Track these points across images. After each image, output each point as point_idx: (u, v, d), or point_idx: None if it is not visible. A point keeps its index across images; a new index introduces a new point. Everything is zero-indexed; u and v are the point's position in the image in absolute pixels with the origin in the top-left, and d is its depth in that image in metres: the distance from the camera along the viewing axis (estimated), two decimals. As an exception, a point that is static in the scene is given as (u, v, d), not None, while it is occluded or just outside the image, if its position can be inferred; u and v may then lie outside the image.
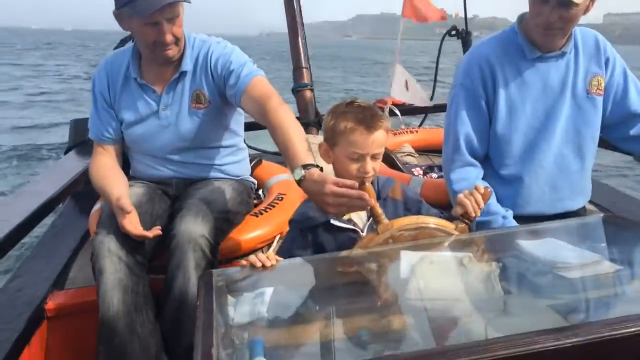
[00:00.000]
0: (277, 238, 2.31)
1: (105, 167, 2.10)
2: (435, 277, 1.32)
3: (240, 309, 1.24)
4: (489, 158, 2.08)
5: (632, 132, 2.09)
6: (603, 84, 2.04)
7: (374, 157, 1.63)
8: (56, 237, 2.56)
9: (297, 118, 3.71)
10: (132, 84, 2.10)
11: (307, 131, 3.59)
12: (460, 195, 1.61)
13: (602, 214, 2.04)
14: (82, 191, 2.89)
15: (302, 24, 3.56)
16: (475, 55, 2.05)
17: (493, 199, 1.93)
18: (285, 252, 1.65)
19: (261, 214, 2.31)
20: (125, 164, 2.27)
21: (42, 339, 1.99)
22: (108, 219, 1.87)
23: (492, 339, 0.96)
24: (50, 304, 2.02)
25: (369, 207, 1.53)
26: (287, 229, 2.36)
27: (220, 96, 2.09)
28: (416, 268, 1.35)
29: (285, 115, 1.84)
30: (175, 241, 1.81)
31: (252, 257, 1.45)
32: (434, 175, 3.10)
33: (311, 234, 1.66)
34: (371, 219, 1.63)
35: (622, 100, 2.07)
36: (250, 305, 1.26)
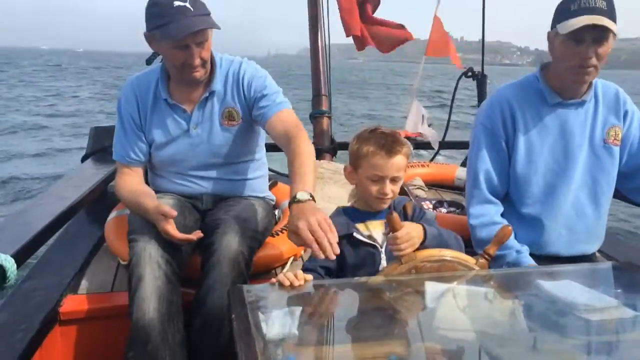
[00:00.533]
0: (291, 260, 2.35)
1: (133, 183, 2.13)
2: (462, 308, 1.36)
3: (272, 326, 1.26)
4: (509, 197, 2.13)
5: None
6: (620, 135, 2.11)
7: (393, 180, 1.74)
8: (70, 243, 2.58)
9: (312, 143, 3.78)
10: (162, 105, 2.13)
11: (320, 157, 3.65)
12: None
13: (612, 262, 2.08)
14: (96, 200, 2.92)
15: (328, 53, 3.64)
16: (497, 97, 2.13)
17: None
18: (311, 260, 1.72)
19: (277, 234, 2.35)
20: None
21: (55, 343, 2.00)
22: (144, 228, 1.91)
23: None
24: (64, 308, 2.03)
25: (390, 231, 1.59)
26: (301, 252, 2.41)
27: (250, 113, 2.16)
28: (443, 298, 1.39)
29: (310, 149, 1.95)
30: (216, 256, 1.85)
31: (280, 276, 1.49)
32: (443, 210, 3.14)
33: None
34: (389, 235, 1.68)
35: (637, 153, 2.13)
36: (281, 323, 1.28)
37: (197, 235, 1.90)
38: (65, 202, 2.35)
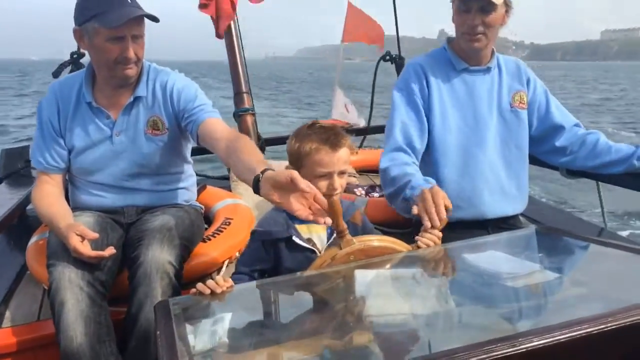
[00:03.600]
0: (226, 263, 2.30)
1: (52, 195, 2.04)
2: (390, 293, 1.37)
3: (201, 337, 1.22)
4: (429, 160, 2.20)
5: (558, 143, 2.27)
6: (526, 99, 2.26)
7: (340, 173, 1.69)
8: None
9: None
10: (85, 109, 2.05)
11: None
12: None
13: (534, 226, 2.16)
14: (15, 225, 2.76)
15: (242, 48, 3.56)
16: (410, 64, 2.27)
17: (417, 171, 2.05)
18: (246, 262, 1.68)
19: (209, 239, 2.29)
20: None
21: None
22: (61, 250, 1.81)
23: (451, 349, 1.00)
24: None
25: (331, 223, 1.55)
26: (236, 253, 2.36)
27: (177, 125, 2.10)
28: (372, 285, 1.39)
29: (248, 141, 1.86)
30: (142, 269, 1.77)
31: (199, 285, 1.45)
32: (376, 194, 3.17)
33: (272, 247, 1.69)
34: (330, 241, 1.69)
35: (545, 115, 2.28)
36: (210, 332, 1.25)
37: (109, 252, 1.80)
38: None
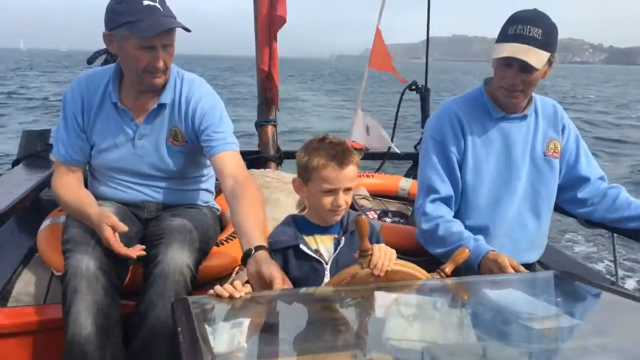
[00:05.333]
0: (237, 269, 2.29)
1: (75, 185, 2.04)
2: (412, 318, 1.36)
3: (220, 339, 1.22)
4: (458, 209, 2.17)
5: (580, 195, 2.25)
6: (559, 148, 2.21)
7: (345, 190, 1.69)
8: None
9: (257, 152, 3.73)
10: (110, 108, 2.04)
11: (266, 166, 3.60)
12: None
13: (552, 270, 2.14)
14: (29, 207, 2.76)
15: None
16: (446, 110, 2.19)
17: (462, 228, 2.06)
18: None
19: (222, 244, 2.28)
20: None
21: None
22: (80, 236, 1.81)
23: None
24: None
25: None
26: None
27: (196, 138, 2.08)
28: (392, 309, 1.39)
29: (259, 196, 1.92)
30: (159, 268, 1.76)
31: (217, 288, 1.44)
32: (388, 220, 3.17)
33: (281, 255, 1.70)
34: (337, 252, 1.71)
35: (574, 165, 2.24)
36: (229, 335, 1.24)
37: (137, 252, 1.81)
38: None
